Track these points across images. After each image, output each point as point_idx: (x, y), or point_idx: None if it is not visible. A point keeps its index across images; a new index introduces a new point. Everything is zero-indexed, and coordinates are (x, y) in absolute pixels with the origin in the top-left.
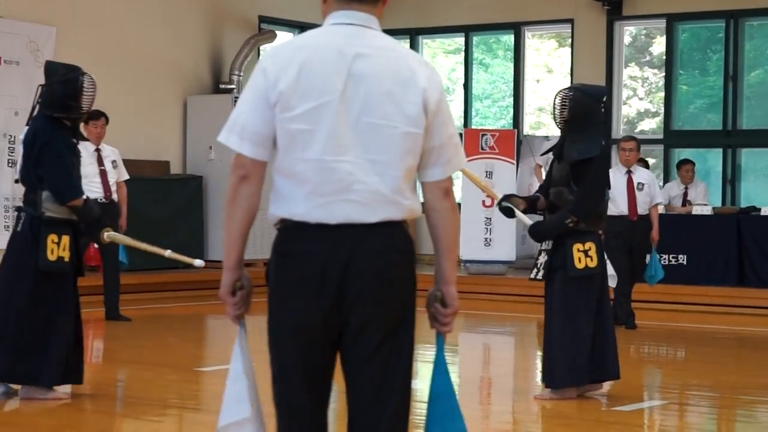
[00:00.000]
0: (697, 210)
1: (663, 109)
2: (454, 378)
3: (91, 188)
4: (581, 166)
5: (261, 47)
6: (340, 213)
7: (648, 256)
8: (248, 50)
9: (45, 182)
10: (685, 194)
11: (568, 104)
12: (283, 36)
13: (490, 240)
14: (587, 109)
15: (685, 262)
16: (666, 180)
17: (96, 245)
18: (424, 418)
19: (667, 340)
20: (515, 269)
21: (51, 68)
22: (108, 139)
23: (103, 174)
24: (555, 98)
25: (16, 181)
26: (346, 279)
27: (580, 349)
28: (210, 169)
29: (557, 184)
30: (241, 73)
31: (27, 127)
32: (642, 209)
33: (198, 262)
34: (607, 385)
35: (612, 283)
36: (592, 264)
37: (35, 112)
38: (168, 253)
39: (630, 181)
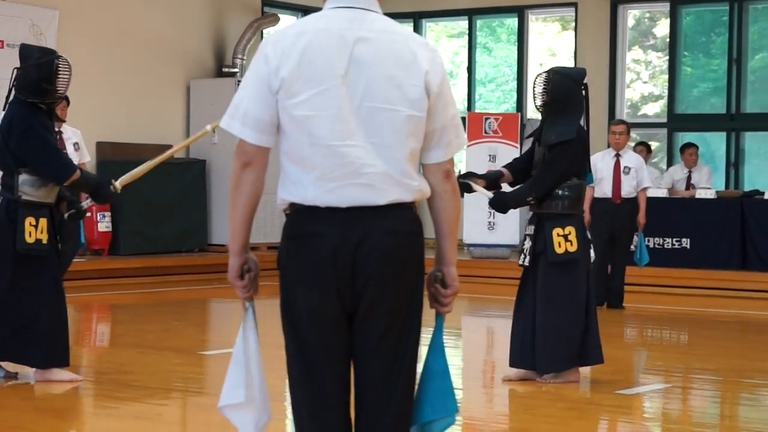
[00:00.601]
0: (700, 194)
1: (667, 92)
2: (458, 361)
3: None
4: (557, 148)
5: (264, 31)
6: (350, 196)
7: (635, 239)
8: (251, 34)
9: (36, 167)
10: (689, 178)
11: (547, 87)
12: (286, 20)
13: (494, 224)
14: (566, 91)
15: (688, 246)
16: (670, 163)
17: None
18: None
19: (670, 323)
20: (518, 253)
21: (26, 51)
22: (112, 123)
23: None
24: (534, 81)
25: None
26: (357, 260)
27: (564, 334)
28: (213, 153)
29: (536, 166)
30: (244, 57)
31: (3, 112)
32: (627, 192)
33: (208, 127)
34: (610, 369)
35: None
36: (572, 249)
37: (11, 97)
38: (176, 146)
39: (617, 164)
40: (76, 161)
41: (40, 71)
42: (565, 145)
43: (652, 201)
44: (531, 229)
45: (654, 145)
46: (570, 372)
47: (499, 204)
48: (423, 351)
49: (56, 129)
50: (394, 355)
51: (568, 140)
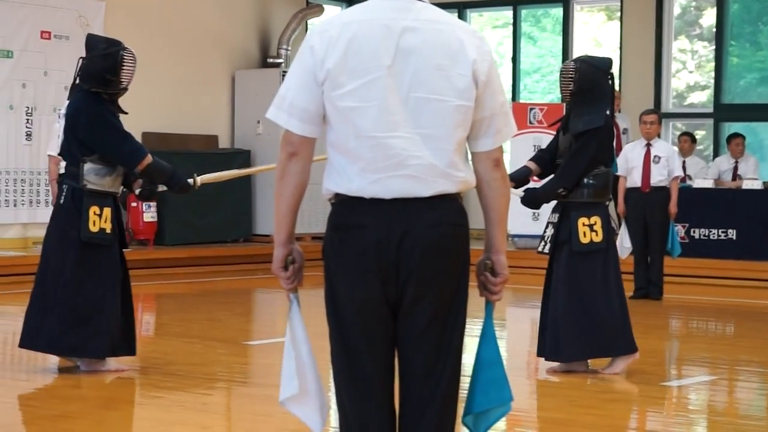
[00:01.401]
0: (747, 184)
1: (713, 82)
2: (502, 352)
3: None
4: (585, 136)
5: (309, 21)
6: (395, 188)
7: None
8: (296, 24)
9: (106, 154)
10: (735, 168)
11: (573, 76)
12: (330, 10)
13: (538, 214)
14: (593, 80)
15: (734, 237)
16: (716, 154)
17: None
18: (467, 390)
19: (716, 315)
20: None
21: (92, 42)
22: (157, 114)
23: None
24: (561, 70)
25: (59, 155)
26: (402, 252)
27: (587, 323)
28: (258, 144)
29: (563, 155)
30: (289, 48)
31: (68, 101)
32: (657, 181)
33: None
34: (655, 361)
35: (625, 254)
36: (597, 239)
37: (75, 86)
38: (252, 169)
39: (648, 153)
40: None
41: (105, 62)
42: (592, 132)
43: (698, 192)
44: (555, 217)
45: (700, 135)
46: (579, 362)
47: (531, 201)
48: (468, 342)
49: None
50: (439, 345)
51: (595, 128)
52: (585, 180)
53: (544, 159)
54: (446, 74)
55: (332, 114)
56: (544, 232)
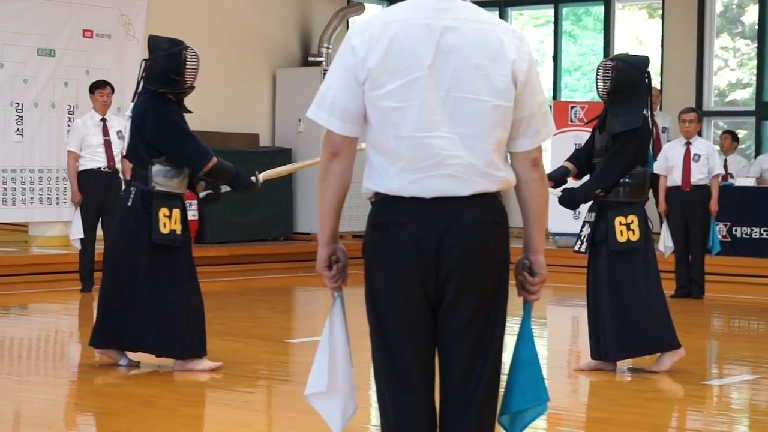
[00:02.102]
0: None
1: (755, 80)
2: (543, 351)
3: (95, 157)
4: (623, 136)
5: (350, 20)
6: (435, 187)
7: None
8: (337, 23)
9: (173, 155)
10: None
11: (610, 75)
12: (371, 8)
13: (579, 212)
14: (630, 79)
15: None
16: (758, 152)
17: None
18: (503, 389)
19: (758, 314)
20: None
21: (154, 42)
22: (198, 112)
23: (107, 144)
24: (597, 69)
25: (125, 157)
26: (442, 250)
27: (628, 322)
28: (299, 142)
29: (598, 155)
30: (330, 46)
31: (133, 103)
32: (697, 180)
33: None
34: (696, 359)
35: (667, 252)
36: (634, 237)
37: (140, 88)
38: (311, 161)
39: (687, 152)
40: (119, 149)
41: (168, 62)
42: (631, 133)
43: (740, 190)
44: (591, 216)
45: (742, 133)
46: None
47: (569, 201)
48: (508, 341)
49: (101, 117)
50: (479, 344)
51: (634, 129)
52: (622, 179)
53: (581, 159)
54: (485, 74)
55: (372, 114)
56: (581, 231)
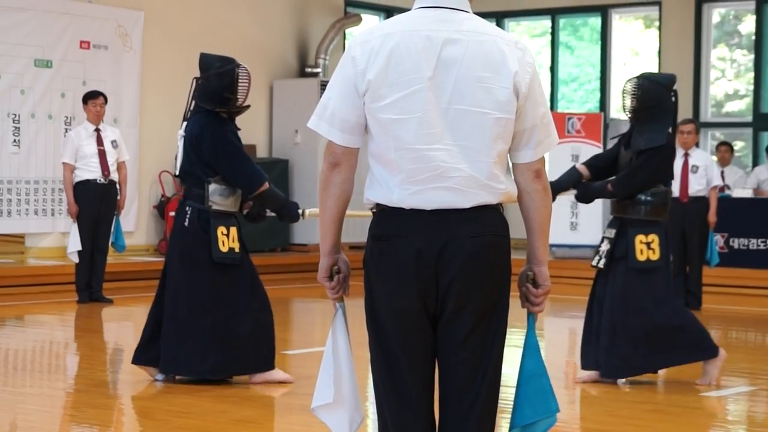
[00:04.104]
0: None
1: (752, 91)
2: None
3: (90, 168)
4: (647, 153)
5: (347, 31)
6: (436, 199)
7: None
8: (334, 34)
9: (228, 176)
10: None
11: (636, 93)
12: (369, 20)
13: (576, 224)
14: (656, 98)
15: None
16: (755, 163)
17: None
18: (510, 402)
19: (755, 325)
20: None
21: (206, 61)
22: None
23: (102, 154)
24: (624, 87)
25: (176, 176)
26: (442, 262)
27: (640, 339)
28: (296, 153)
29: (622, 170)
30: (327, 57)
31: (186, 123)
32: (695, 191)
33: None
34: (694, 371)
35: None
36: (654, 257)
37: (191, 106)
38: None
39: (686, 163)
40: (114, 158)
41: (221, 80)
42: (654, 150)
43: (737, 201)
44: (611, 233)
45: (739, 144)
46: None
47: (583, 195)
48: (509, 353)
49: (94, 127)
50: (480, 356)
51: (657, 146)
52: (643, 197)
53: (597, 167)
54: (487, 86)
55: (373, 125)
56: (599, 246)
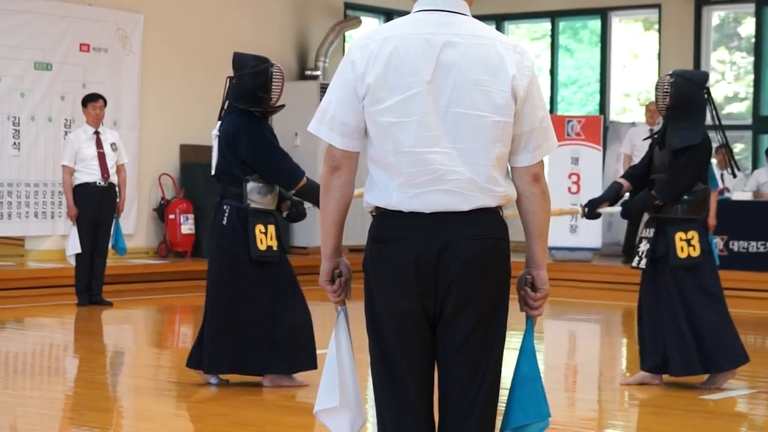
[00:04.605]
0: None
1: (752, 93)
2: (540, 365)
3: (90, 170)
4: (683, 153)
5: (346, 33)
6: (435, 202)
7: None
8: (334, 37)
9: (267, 173)
10: None
11: (669, 91)
12: (368, 22)
13: (576, 227)
14: (689, 95)
15: None
16: (755, 166)
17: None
18: (505, 404)
19: (755, 328)
20: (601, 256)
21: (240, 60)
22: (195, 126)
23: (101, 156)
24: (657, 85)
25: (214, 176)
26: (441, 265)
27: (696, 337)
28: (295, 155)
29: (658, 171)
30: (327, 60)
31: (220, 122)
32: None
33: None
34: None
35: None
36: (695, 253)
37: (226, 105)
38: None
39: None
40: (113, 161)
41: (255, 80)
42: (693, 149)
43: (736, 204)
44: (650, 232)
45: (739, 147)
46: (653, 375)
47: (629, 214)
48: (506, 355)
49: (94, 130)
50: (479, 358)
51: (694, 145)
52: (682, 196)
53: (635, 175)
54: (485, 89)
55: (372, 129)
56: (638, 247)
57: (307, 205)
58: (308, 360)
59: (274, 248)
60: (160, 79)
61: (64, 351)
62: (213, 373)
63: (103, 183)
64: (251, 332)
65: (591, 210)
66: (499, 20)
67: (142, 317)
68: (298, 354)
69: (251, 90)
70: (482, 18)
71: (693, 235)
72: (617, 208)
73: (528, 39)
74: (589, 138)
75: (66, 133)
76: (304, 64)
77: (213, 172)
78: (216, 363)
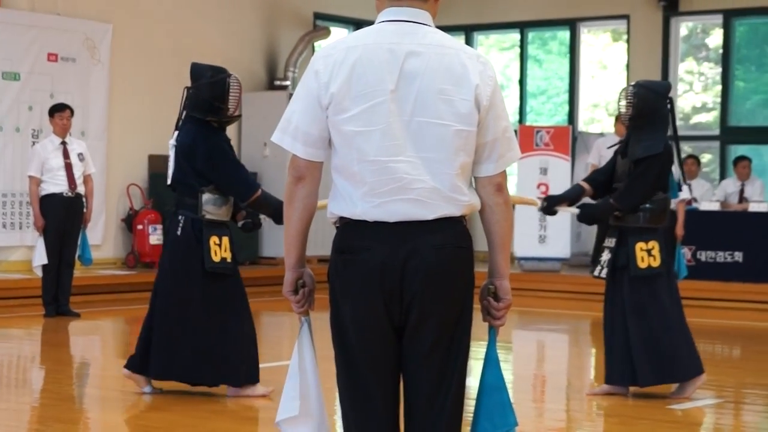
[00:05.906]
0: (753, 207)
1: (720, 104)
2: (508, 375)
3: (56, 181)
4: (642, 162)
5: (315, 44)
6: (399, 211)
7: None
8: (303, 47)
9: (222, 185)
10: (742, 191)
11: (632, 101)
12: (337, 32)
13: (545, 237)
14: (652, 105)
15: (740, 260)
16: (722, 176)
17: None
18: (471, 414)
19: (722, 338)
20: (570, 266)
21: (197, 70)
22: (164, 136)
23: (68, 167)
24: (620, 95)
25: (169, 185)
26: (405, 274)
27: (658, 348)
28: (264, 166)
29: (620, 179)
30: (296, 70)
31: (177, 132)
32: None
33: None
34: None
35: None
36: (655, 263)
37: (183, 115)
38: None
39: None
40: (80, 171)
41: (212, 90)
42: (652, 159)
43: (704, 214)
44: (612, 242)
45: (706, 157)
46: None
47: (587, 216)
48: (472, 365)
49: (60, 140)
50: (444, 368)
51: (655, 154)
52: (642, 205)
53: (598, 181)
54: (448, 99)
55: (336, 138)
56: (600, 256)
57: (263, 217)
58: (253, 373)
59: (228, 260)
60: (129, 89)
61: (31, 362)
62: (163, 380)
63: (70, 193)
64: (203, 344)
65: (549, 206)
66: (468, 31)
67: (109, 328)
68: (246, 366)
69: (208, 100)
70: (451, 29)
71: (653, 245)
72: (575, 210)
73: (497, 49)
74: (557, 148)
75: (34, 143)
76: (274, 75)
77: (169, 182)
78: (167, 371)
